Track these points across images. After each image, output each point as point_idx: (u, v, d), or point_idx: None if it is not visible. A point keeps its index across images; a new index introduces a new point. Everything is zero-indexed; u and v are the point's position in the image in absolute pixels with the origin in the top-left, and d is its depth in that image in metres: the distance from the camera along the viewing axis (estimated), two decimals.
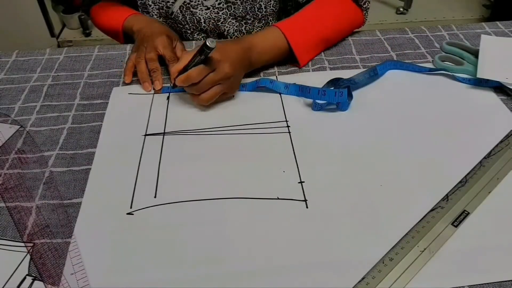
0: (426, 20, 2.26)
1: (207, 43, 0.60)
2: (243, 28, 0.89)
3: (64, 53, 0.83)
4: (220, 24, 0.87)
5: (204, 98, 0.66)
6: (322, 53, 0.80)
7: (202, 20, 0.85)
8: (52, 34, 2.14)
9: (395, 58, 0.79)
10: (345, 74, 0.73)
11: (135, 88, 0.74)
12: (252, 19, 0.88)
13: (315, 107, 0.68)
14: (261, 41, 0.73)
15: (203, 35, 0.89)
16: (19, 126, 0.65)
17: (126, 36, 0.86)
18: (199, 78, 0.64)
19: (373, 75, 0.72)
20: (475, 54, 0.76)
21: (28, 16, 2.03)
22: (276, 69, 0.77)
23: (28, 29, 2.06)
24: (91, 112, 0.69)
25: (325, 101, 0.67)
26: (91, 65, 0.79)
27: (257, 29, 0.90)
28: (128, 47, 0.84)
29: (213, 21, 0.86)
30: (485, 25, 0.88)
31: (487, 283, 0.46)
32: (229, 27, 0.87)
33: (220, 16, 0.85)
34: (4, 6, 1.98)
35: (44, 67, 0.79)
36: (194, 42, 0.85)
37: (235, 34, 0.89)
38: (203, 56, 0.63)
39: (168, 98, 0.71)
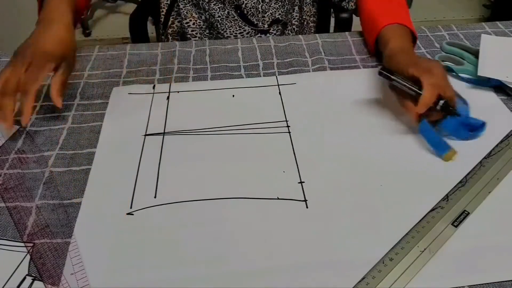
0: (426, 20, 2.26)
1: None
2: (259, 5, 0.88)
3: None
4: None
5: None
6: (323, 53, 0.80)
7: None
8: None
9: None
10: (345, 74, 0.74)
11: (135, 88, 0.74)
12: None
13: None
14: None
15: (220, 5, 0.88)
16: (19, 126, 0.65)
17: None
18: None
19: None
20: (475, 54, 0.76)
21: (28, 16, 2.03)
22: (276, 69, 0.77)
23: (28, 29, 2.06)
24: (91, 112, 0.69)
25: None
26: (91, 65, 0.79)
27: (273, 9, 0.90)
28: (128, 47, 0.83)
29: None
30: (485, 25, 0.88)
31: (487, 283, 0.46)
32: (248, 1, 0.87)
33: None
34: (4, 6, 1.98)
35: None
36: (194, 41, 0.85)
37: (251, 10, 0.88)
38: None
39: (168, 98, 0.71)
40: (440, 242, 0.49)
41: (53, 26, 0.66)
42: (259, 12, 0.89)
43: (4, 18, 2.00)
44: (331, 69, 0.77)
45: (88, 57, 0.81)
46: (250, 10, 0.89)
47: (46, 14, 0.68)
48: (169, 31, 0.97)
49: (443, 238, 0.50)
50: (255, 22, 0.90)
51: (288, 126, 0.65)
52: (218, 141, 0.63)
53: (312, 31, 0.99)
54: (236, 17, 0.89)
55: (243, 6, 0.88)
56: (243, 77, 0.75)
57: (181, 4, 0.91)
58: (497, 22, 0.89)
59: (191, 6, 0.91)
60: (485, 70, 0.71)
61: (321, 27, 1.03)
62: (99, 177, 0.58)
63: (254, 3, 0.88)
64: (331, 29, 1.07)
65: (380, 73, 0.63)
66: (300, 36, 0.85)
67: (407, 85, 0.61)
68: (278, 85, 0.73)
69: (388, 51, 0.69)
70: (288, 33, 0.94)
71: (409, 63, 0.62)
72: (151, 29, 1.09)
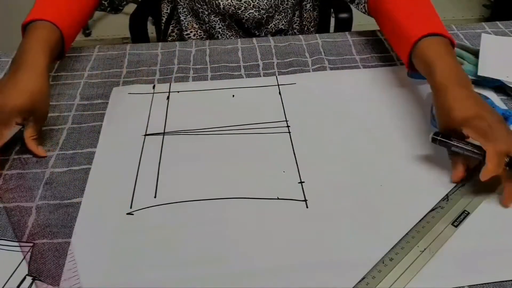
0: None
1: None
2: (263, 20, 0.89)
3: None
4: (240, 12, 0.86)
5: None
6: (323, 53, 0.80)
7: (222, 6, 0.85)
8: None
9: (395, 59, 0.79)
10: (345, 74, 0.73)
11: (135, 88, 0.74)
12: (273, 11, 0.88)
13: None
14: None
15: (220, 17, 0.89)
16: (20, 126, 0.65)
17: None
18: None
19: None
20: (475, 54, 0.76)
21: None
22: (276, 69, 0.77)
23: None
24: (91, 112, 0.69)
25: None
26: (91, 65, 0.79)
27: (276, 21, 0.90)
28: (128, 47, 0.83)
29: (233, 8, 0.85)
30: (485, 25, 0.88)
31: (487, 283, 0.46)
32: (249, 16, 0.87)
33: (241, 4, 0.85)
34: (4, 6, 1.98)
35: None
36: (194, 41, 0.85)
37: (253, 24, 0.89)
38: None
39: (168, 98, 0.71)
40: (440, 242, 0.49)
41: (22, 74, 0.60)
42: (262, 25, 0.89)
43: (4, 18, 2.00)
44: (331, 69, 0.77)
45: (88, 57, 0.81)
46: (252, 24, 0.88)
47: (18, 56, 0.62)
48: (169, 39, 0.97)
49: (443, 238, 0.50)
50: (257, 34, 0.90)
51: (288, 126, 0.65)
52: (218, 141, 0.63)
53: None
54: (237, 29, 0.89)
55: (244, 20, 0.88)
56: (243, 77, 0.75)
57: (182, 15, 0.91)
58: (497, 22, 0.89)
59: (191, 17, 0.91)
60: (485, 70, 0.71)
61: (321, 28, 1.03)
62: (99, 177, 0.58)
63: (255, 17, 0.87)
64: (331, 29, 1.07)
65: (433, 140, 0.55)
66: (300, 36, 0.85)
67: (469, 149, 0.54)
68: (278, 85, 0.73)
69: (437, 85, 0.57)
70: None
71: (463, 118, 0.53)
72: (151, 29, 1.09)
